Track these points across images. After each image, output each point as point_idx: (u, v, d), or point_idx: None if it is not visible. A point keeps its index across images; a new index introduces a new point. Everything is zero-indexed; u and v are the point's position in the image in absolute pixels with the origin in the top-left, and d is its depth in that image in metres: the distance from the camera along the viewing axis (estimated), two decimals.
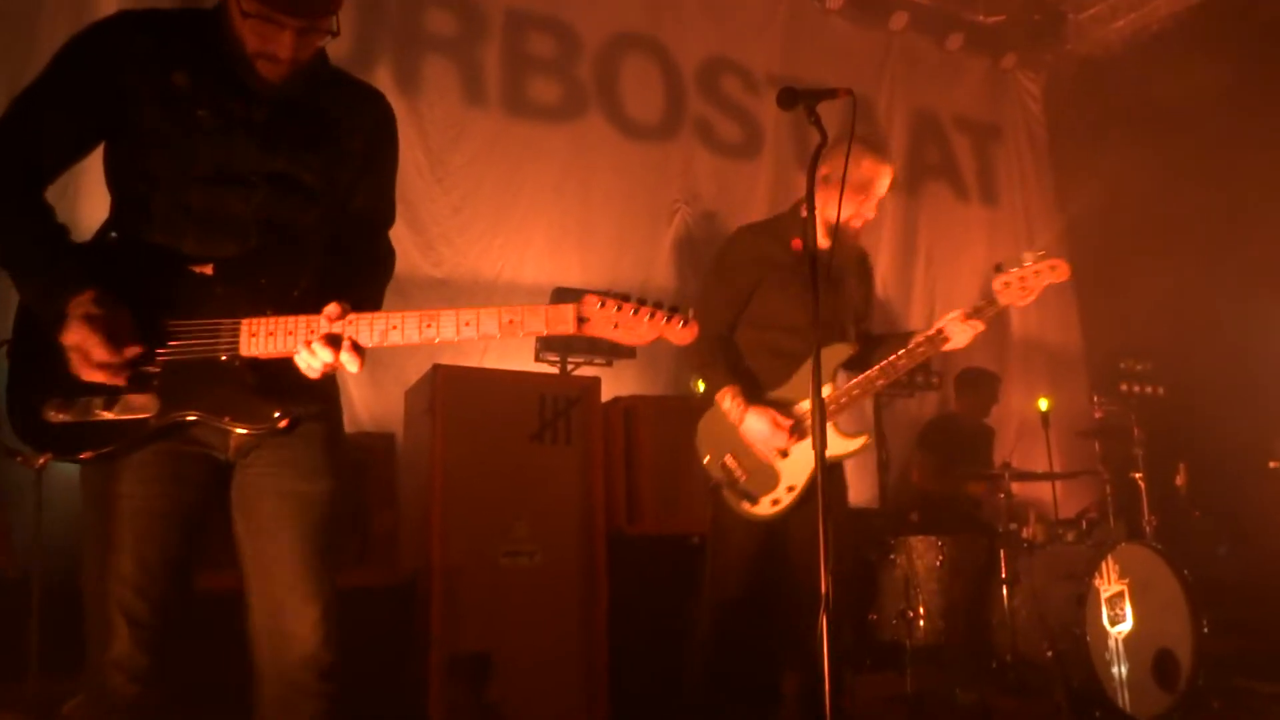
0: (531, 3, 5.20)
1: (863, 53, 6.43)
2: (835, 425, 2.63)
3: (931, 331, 2.70)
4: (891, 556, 4.19)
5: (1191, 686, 3.71)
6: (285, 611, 1.70)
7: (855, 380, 2.72)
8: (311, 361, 1.62)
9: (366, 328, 1.64)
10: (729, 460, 2.67)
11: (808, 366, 2.46)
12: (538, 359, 4.41)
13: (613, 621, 3.53)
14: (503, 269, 4.86)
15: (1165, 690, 3.67)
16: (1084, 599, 3.62)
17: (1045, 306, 6.91)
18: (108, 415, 1.59)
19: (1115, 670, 3.61)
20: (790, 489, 2.63)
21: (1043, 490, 5.30)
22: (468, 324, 1.66)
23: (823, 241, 2.68)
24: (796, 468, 2.62)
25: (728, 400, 2.65)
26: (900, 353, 2.68)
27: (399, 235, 2.06)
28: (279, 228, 1.72)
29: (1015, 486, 4.14)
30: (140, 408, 1.60)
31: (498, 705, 3.25)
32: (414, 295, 4.44)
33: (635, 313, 1.67)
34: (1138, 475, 4.32)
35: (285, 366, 1.65)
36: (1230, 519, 5.23)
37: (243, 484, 1.74)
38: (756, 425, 2.61)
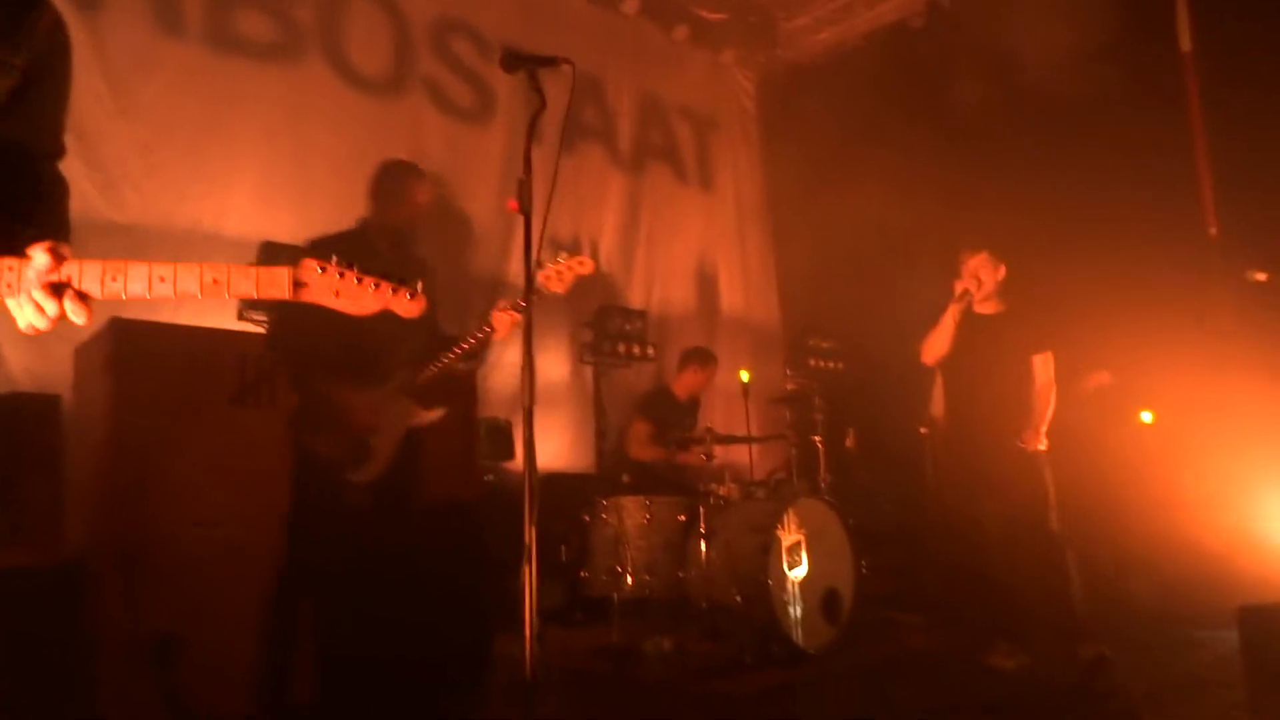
0: None
1: (596, 31, 6.59)
2: (416, 400, 3.00)
3: (484, 327, 3.03)
4: (603, 516, 4.40)
5: (851, 620, 4.29)
6: None
7: (430, 366, 3.06)
8: (34, 317, 1.40)
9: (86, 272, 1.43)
10: (320, 440, 2.86)
11: (375, 359, 2.92)
12: (241, 318, 4.09)
13: (320, 591, 3.38)
14: (201, 219, 4.43)
15: (830, 624, 4.21)
16: (768, 548, 4.04)
17: (751, 289, 7.55)
18: None
19: (792, 610, 4.07)
20: (378, 460, 2.91)
21: (741, 453, 5.81)
22: (162, 280, 1.49)
23: (389, 251, 3.05)
24: (385, 440, 2.92)
25: (322, 385, 2.88)
26: (458, 349, 3.05)
27: (72, 172, 1.82)
28: None
29: (716, 449, 4.51)
30: None
31: (185, 689, 3.01)
32: (92, 243, 3.84)
33: (359, 281, 1.61)
34: (817, 439, 4.88)
35: None
36: (889, 477, 6.08)
37: None
38: (349, 408, 2.86)
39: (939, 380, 5.44)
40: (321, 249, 2.89)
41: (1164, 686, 3.40)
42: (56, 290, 1.42)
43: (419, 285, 1.68)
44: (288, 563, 2.89)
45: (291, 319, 2.97)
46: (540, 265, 2.99)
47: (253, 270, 1.54)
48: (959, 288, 4.03)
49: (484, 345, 3.08)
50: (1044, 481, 3.88)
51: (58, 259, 1.43)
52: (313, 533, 2.89)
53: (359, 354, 2.90)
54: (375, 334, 2.86)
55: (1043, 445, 3.89)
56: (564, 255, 3.04)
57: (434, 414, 3.04)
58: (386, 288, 1.63)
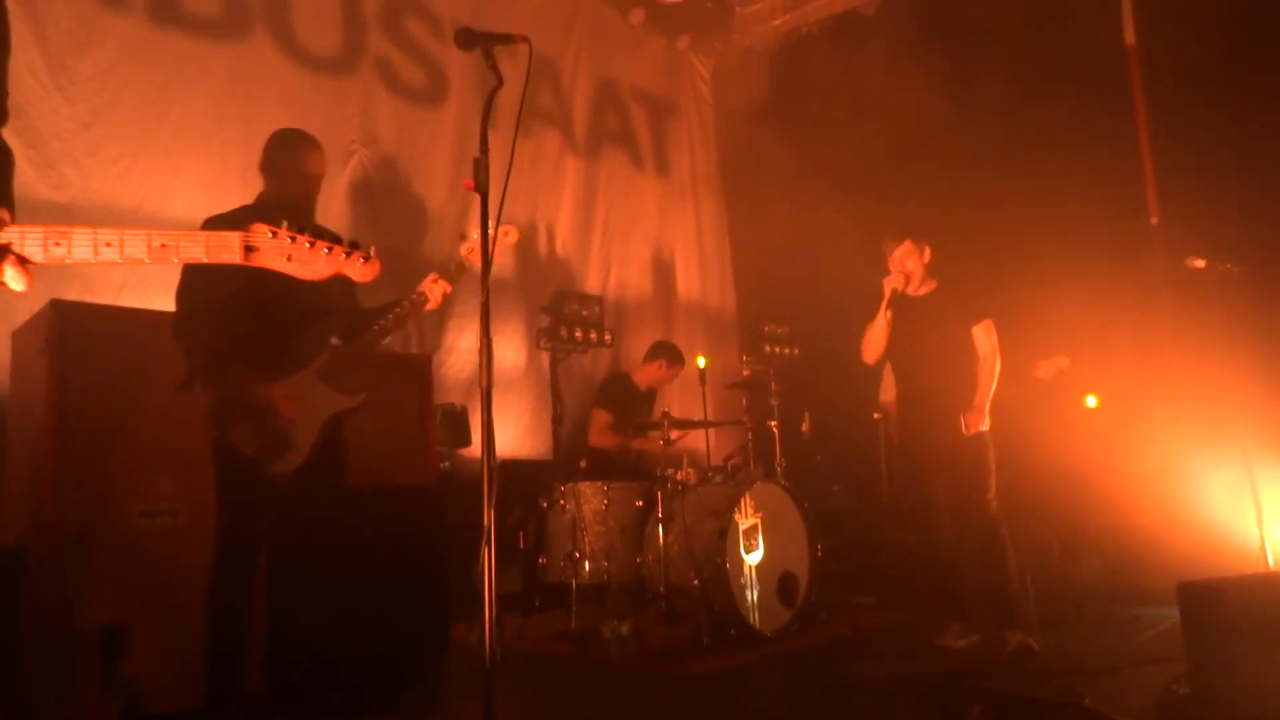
0: None
1: (551, 14, 6.53)
2: (335, 385, 2.88)
3: (414, 295, 3.00)
4: (561, 502, 4.39)
5: (806, 601, 4.34)
6: None
7: (353, 343, 2.99)
8: None
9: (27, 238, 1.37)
10: (240, 434, 2.72)
11: (290, 344, 2.81)
12: None
13: (273, 580, 3.32)
14: (145, 199, 4.29)
15: (786, 607, 4.26)
16: (725, 532, 4.07)
17: (707, 275, 7.57)
18: None
19: (749, 593, 4.11)
20: (300, 449, 2.80)
21: (698, 438, 5.83)
22: (108, 245, 1.45)
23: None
24: (303, 431, 2.79)
25: (236, 376, 2.72)
26: (388, 317, 3.00)
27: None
28: None
29: (674, 434, 4.52)
30: None
31: (133, 680, 2.93)
32: (29, 222, 3.77)
33: (311, 245, 1.57)
34: (773, 423, 4.91)
35: None
36: (843, 461, 6.16)
37: None
38: (266, 399, 2.73)
39: (889, 366, 5.53)
40: (215, 226, 2.77)
41: (1106, 663, 3.51)
42: None
43: (371, 249, 1.65)
44: (221, 557, 2.76)
45: (199, 305, 2.79)
46: (464, 237, 2.95)
47: (202, 235, 1.51)
48: (888, 288, 4.04)
49: (413, 314, 3.00)
50: (986, 461, 3.89)
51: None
52: (240, 525, 2.76)
53: (272, 340, 2.78)
54: (289, 317, 2.76)
55: (984, 425, 3.89)
56: (489, 226, 2.99)
57: (355, 399, 2.91)
58: (339, 251, 1.60)
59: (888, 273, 4.11)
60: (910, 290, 4.11)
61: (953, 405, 3.93)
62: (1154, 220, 5.68)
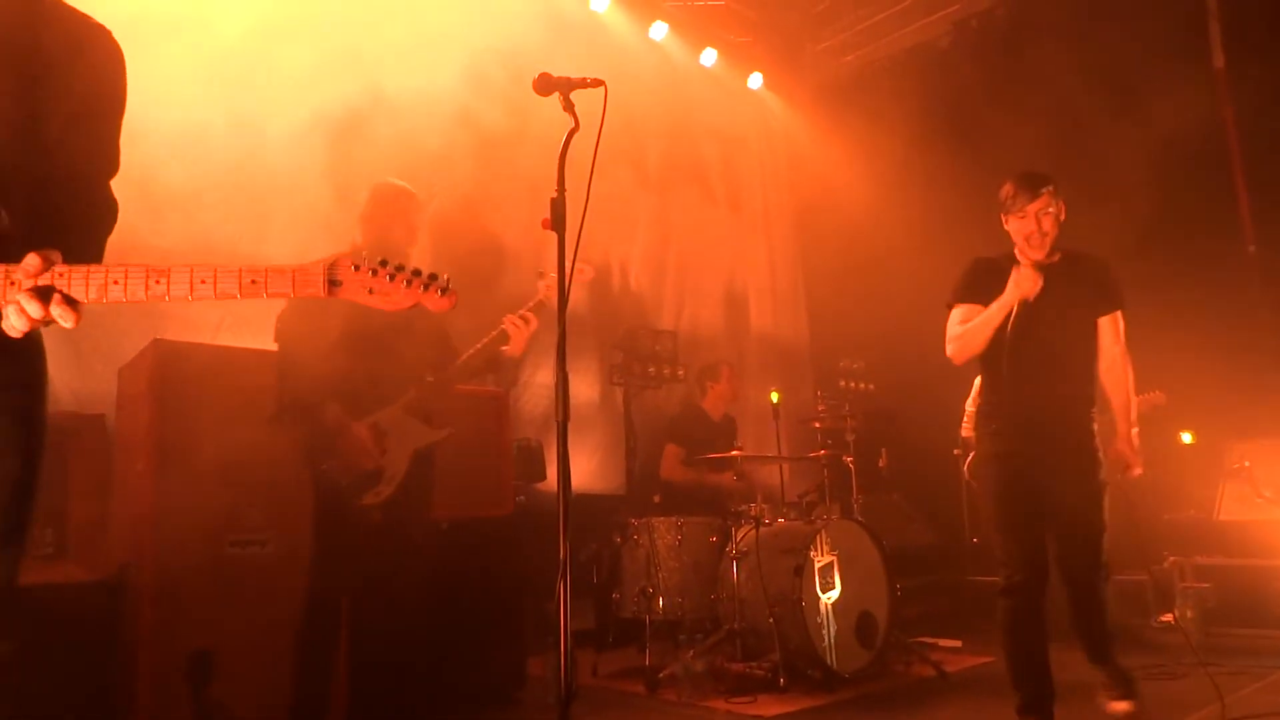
0: None
1: (625, 55, 6.67)
2: (423, 419, 3.01)
3: (495, 332, 3.10)
4: (635, 537, 4.39)
5: (885, 643, 4.22)
6: None
7: (440, 379, 3.07)
8: (16, 318, 1.44)
9: (82, 281, 1.47)
10: (333, 466, 2.87)
11: (382, 379, 2.94)
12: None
13: (357, 612, 3.40)
14: (240, 242, 4.52)
15: (865, 648, 4.15)
16: (801, 570, 4.00)
17: (780, 309, 7.53)
18: None
19: (825, 633, 4.02)
20: (390, 481, 2.91)
21: (772, 474, 5.77)
22: (203, 282, 1.53)
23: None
24: (393, 463, 2.91)
25: (330, 415, 2.88)
26: (473, 353, 3.09)
27: (121, 198, 1.87)
28: None
29: (748, 469, 4.48)
30: None
31: (220, 706, 3.03)
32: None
33: (392, 278, 1.63)
34: (849, 460, 4.83)
35: None
36: (922, 498, 6.00)
37: None
38: (356, 437, 2.87)
39: (977, 393, 5.37)
40: None
41: (1212, 716, 3.31)
42: (43, 295, 1.46)
43: (448, 280, 1.70)
44: (316, 586, 2.90)
45: (297, 343, 2.97)
46: (541, 275, 3.04)
47: (289, 269, 1.57)
48: (1025, 261, 2.92)
49: (495, 351, 3.08)
50: (1104, 506, 3.06)
51: (46, 263, 1.47)
52: (335, 557, 2.89)
53: (364, 376, 2.90)
54: (380, 355, 2.89)
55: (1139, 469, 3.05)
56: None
57: (442, 433, 3.04)
58: (418, 284, 1.65)
59: (1007, 237, 3.04)
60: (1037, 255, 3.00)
61: (1080, 422, 3.01)
62: (1251, 248, 5.44)
